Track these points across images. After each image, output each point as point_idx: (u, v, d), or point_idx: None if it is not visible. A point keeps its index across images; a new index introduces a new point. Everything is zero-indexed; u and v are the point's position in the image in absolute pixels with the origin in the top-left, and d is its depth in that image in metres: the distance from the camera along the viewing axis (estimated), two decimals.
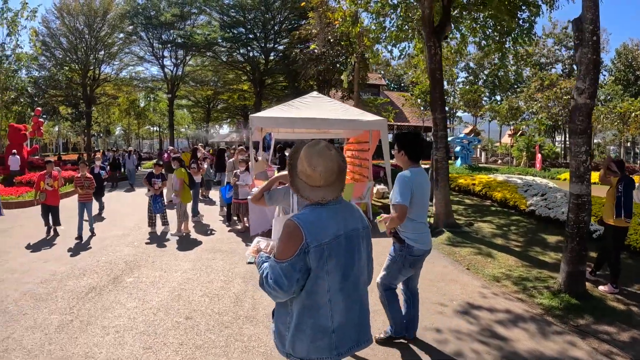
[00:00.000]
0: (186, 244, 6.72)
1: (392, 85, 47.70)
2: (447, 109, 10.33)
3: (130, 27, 27.32)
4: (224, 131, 50.25)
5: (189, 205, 7.72)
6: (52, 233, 7.24)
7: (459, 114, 41.31)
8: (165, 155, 11.33)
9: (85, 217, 7.18)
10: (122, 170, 19.65)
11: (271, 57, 27.43)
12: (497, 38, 8.99)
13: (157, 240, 7.00)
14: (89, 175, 7.31)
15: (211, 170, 11.81)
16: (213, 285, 4.73)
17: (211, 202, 10.85)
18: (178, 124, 38.68)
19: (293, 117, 7.89)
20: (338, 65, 19.30)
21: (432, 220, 7.63)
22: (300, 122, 7.95)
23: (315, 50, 17.84)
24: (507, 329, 3.67)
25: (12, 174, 14.02)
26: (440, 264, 5.60)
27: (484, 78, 36.70)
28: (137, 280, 4.90)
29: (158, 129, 44.66)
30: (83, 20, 26.53)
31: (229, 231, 7.67)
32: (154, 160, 31.07)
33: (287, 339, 1.73)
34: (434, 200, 7.69)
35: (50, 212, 7.19)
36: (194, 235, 7.36)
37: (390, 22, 9.51)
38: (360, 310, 1.80)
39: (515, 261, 5.73)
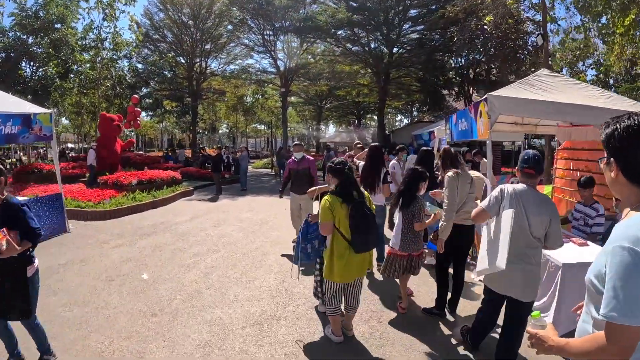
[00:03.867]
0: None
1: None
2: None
3: (239, 16, 25.16)
4: (330, 131, 47.68)
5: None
6: None
7: None
8: (291, 161, 6.05)
9: None
10: (232, 170, 17.39)
11: (394, 49, 23.41)
12: None
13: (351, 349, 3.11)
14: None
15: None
16: None
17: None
18: (289, 122, 36.95)
19: (560, 102, 4.28)
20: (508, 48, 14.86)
21: None
22: (565, 110, 4.30)
23: (486, 27, 13.33)
24: None
25: (91, 171, 11.56)
26: None
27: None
28: None
29: (270, 127, 43.34)
30: (188, 12, 25.18)
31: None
32: (266, 160, 28.73)
33: None
34: None
35: None
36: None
37: None
38: None
39: None
